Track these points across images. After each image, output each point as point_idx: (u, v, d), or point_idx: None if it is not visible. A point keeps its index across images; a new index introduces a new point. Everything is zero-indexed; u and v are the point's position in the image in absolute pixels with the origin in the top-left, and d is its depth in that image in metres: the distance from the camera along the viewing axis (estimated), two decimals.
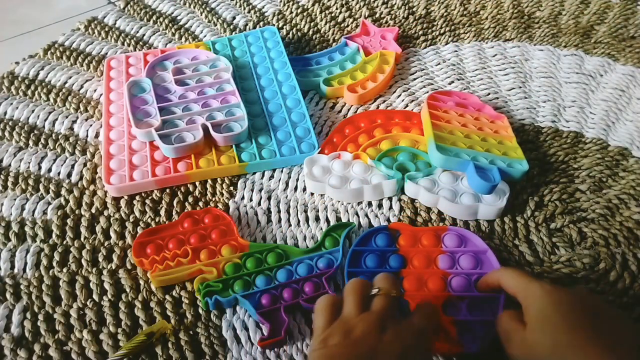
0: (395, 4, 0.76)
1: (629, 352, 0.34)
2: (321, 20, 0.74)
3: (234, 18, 0.75)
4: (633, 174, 0.55)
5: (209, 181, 0.54)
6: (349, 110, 0.62)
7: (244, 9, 0.76)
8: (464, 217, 0.51)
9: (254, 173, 0.55)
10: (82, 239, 0.50)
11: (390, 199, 0.53)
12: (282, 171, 0.55)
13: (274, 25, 0.73)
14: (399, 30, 0.71)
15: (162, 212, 0.52)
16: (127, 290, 0.46)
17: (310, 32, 0.72)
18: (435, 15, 0.74)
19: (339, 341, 0.34)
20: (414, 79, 0.65)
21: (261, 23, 0.74)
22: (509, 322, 0.38)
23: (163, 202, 0.52)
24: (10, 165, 0.56)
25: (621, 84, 0.63)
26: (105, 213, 0.51)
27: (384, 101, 0.63)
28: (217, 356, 0.42)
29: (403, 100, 0.63)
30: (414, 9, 0.75)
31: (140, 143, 0.56)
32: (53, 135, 0.58)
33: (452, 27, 0.72)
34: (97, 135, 0.58)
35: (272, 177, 0.55)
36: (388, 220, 0.51)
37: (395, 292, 0.37)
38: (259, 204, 0.53)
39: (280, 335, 0.42)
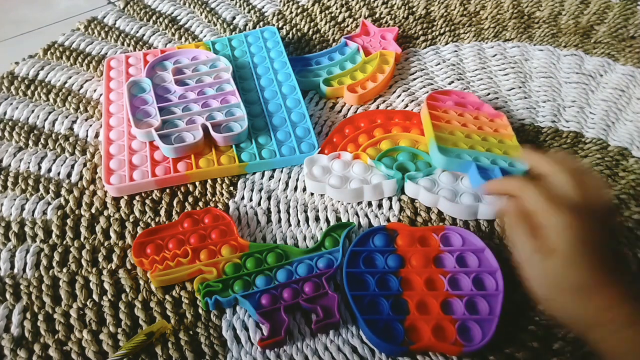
0: (395, 4, 0.76)
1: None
2: (321, 20, 0.74)
3: (233, 18, 0.75)
4: (633, 174, 0.55)
5: (209, 181, 0.54)
6: (349, 110, 0.62)
7: (244, 9, 0.76)
8: (463, 217, 0.51)
9: (254, 173, 0.55)
10: (82, 239, 0.50)
11: (390, 199, 0.53)
12: (282, 171, 0.55)
13: (273, 25, 0.73)
14: (399, 30, 0.71)
15: (162, 212, 0.52)
16: (127, 290, 0.46)
17: (310, 32, 0.72)
18: (435, 15, 0.74)
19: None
20: (414, 79, 0.66)
21: (261, 23, 0.74)
22: (525, 247, 0.36)
23: (163, 202, 0.52)
24: (10, 165, 0.56)
25: (621, 84, 0.63)
26: (105, 213, 0.51)
27: (384, 101, 0.63)
28: (217, 356, 0.42)
29: (403, 100, 0.63)
30: (414, 9, 0.75)
31: (140, 143, 0.56)
32: (53, 135, 0.58)
33: (452, 27, 0.72)
34: (97, 135, 0.58)
35: (272, 177, 0.55)
36: (388, 220, 0.51)
37: None
38: (259, 204, 0.53)
39: (280, 335, 0.42)
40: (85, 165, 0.56)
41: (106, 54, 0.68)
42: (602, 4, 0.75)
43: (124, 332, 0.43)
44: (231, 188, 0.54)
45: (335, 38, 0.71)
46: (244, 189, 0.54)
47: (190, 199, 0.53)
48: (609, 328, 0.33)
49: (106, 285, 0.46)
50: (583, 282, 0.34)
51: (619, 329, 0.32)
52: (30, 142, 0.58)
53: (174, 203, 0.52)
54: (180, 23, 0.74)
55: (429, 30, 0.72)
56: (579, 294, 0.34)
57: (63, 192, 0.53)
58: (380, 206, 0.52)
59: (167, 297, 0.45)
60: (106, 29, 0.72)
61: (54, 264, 0.48)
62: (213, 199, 0.53)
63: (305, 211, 0.52)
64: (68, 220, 0.51)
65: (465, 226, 0.50)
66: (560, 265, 0.34)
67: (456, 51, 0.69)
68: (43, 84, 0.64)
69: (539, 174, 0.40)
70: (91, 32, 0.71)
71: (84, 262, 0.48)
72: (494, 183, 0.44)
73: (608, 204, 0.39)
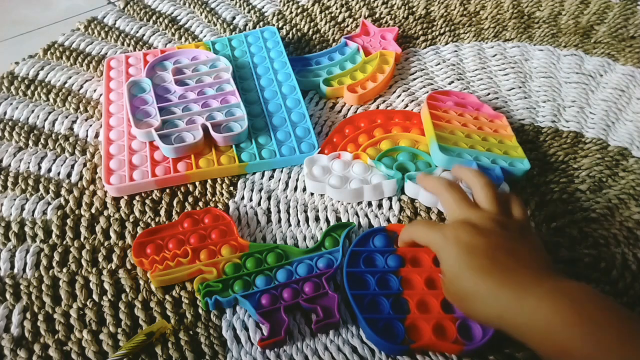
0: (395, 4, 0.76)
1: (536, 273, 0.37)
2: (321, 20, 0.74)
3: (233, 18, 0.75)
4: (633, 174, 0.55)
5: (209, 181, 0.54)
6: (349, 110, 0.62)
7: (244, 9, 0.76)
8: None
9: (254, 173, 0.55)
10: (82, 239, 0.50)
11: (390, 199, 0.53)
12: (282, 171, 0.55)
13: (273, 25, 0.73)
14: (399, 30, 0.71)
15: (162, 212, 0.52)
16: (127, 290, 0.46)
17: (310, 32, 0.72)
18: (435, 15, 0.74)
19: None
20: (414, 79, 0.66)
21: (261, 23, 0.74)
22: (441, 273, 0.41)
23: (163, 202, 0.52)
24: (10, 165, 0.56)
25: (621, 84, 0.64)
26: (105, 213, 0.51)
27: (384, 101, 0.63)
28: (217, 356, 0.42)
29: (403, 100, 0.63)
30: (414, 9, 0.75)
31: (140, 143, 0.56)
32: (53, 135, 0.58)
33: (452, 27, 0.72)
34: (97, 135, 0.58)
35: (272, 177, 0.55)
36: (388, 220, 0.51)
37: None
38: (259, 204, 0.52)
39: (280, 335, 0.42)
40: (85, 165, 0.56)
41: (106, 54, 0.68)
42: (602, 4, 0.75)
43: (124, 332, 0.43)
44: (231, 188, 0.54)
45: (335, 38, 0.71)
46: (244, 189, 0.54)
47: (190, 199, 0.53)
48: (516, 316, 0.34)
49: (106, 285, 0.46)
50: (468, 288, 0.37)
51: (527, 312, 0.34)
52: (30, 142, 0.58)
53: (174, 203, 0.52)
54: (180, 23, 0.74)
55: (429, 30, 0.72)
56: (471, 300, 0.37)
57: (63, 192, 0.53)
58: (380, 206, 0.52)
59: (167, 297, 0.45)
60: (106, 29, 0.72)
61: (54, 264, 0.48)
62: (213, 199, 0.53)
63: (305, 211, 0.52)
64: (68, 220, 0.51)
65: None
66: (449, 282, 0.39)
67: (456, 51, 0.69)
68: (43, 84, 0.64)
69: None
70: (91, 32, 0.71)
71: (84, 262, 0.48)
72: (399, 240, 0.47)
73: (506, 204, 0.42)
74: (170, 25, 0.73)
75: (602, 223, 0.51)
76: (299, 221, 0.51)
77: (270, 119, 0.58)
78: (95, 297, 0.46)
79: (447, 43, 0.70)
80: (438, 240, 0.40)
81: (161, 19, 0.73)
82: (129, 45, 0.70)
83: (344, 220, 0.51)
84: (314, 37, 0.71)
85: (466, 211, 0.41)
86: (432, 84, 0.65)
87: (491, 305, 0.36)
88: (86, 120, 0.60)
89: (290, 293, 0.44)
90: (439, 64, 0.67)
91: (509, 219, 0.41)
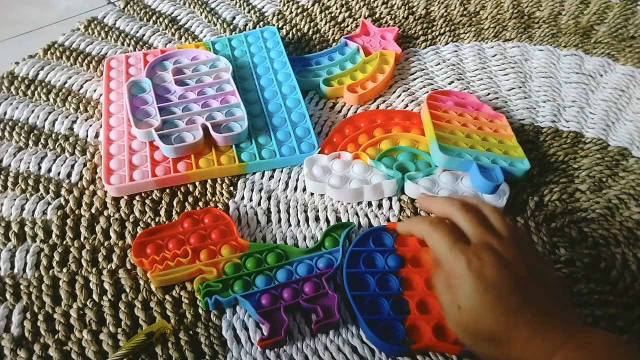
0: (395, 4, 0.76)
1: (558, 318, 0.34)
2: (321, 20, 0.74)
3: (233, 18, 0.75)
4: (633, 174, 0.55)
5: (209, 181, 0.54)
6: (349, 110, 0.62)
7: (244, 9, 0.76)
8: None
9: (254, 173, 0.55)
10: (82, 239, 0.50)
11: (390, 199, 0.53)
12: (282, 171, 0.55)
13: (273, 25, 0.73)
14: (399, 30, 0.71)
15: (162, 212, 0.52)
16: (127, 290, 0.46)
17: (310, 32, 0.72)
18: (435, 15, 0.74)
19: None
20: (414, 79, 0.66)
21: (261, 23, 0.74)
22: (444, 299, 0.38)
23: (163, 202, 0.52)
24: (10, 165, 0.56)
25: (621, 84, 0.64)
26: (105, 213, 0.51)
27: (384, 101, 0.63)
28: (217, 356, 0.42)
29: (403, 100, 0.63)
30: (414, 9, 0.75)
31: (140, 143, 0.56)
32: (53, 135, 0.58)
33: (452, 27, 0.72)
34: (97, 135, 0.58)
35: (272, 177, 0.55)
36: (388, 220, 0.51)
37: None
38: (259, 204, 0.52)
39: (280, 335, 0.42)
40: (85, 165, 0.56)
41: (106, 54, 0.68)
42: (602, 4, 0.75)
43: (124, 332, 0.43)
44: (231, 188, 0.54)
45: (335, 38, 0.71)
46: (244, 189, 0.54)
47: (190, 199, 0.53)
48: None
49: (106, 285, 0.46)
50: (495, 330, 0.34)
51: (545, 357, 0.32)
52: (30, 142, 0.58)
53: (174, 203, 0.52)
54: (180, 23, 0.74)
55: (429, 30, 0.72)
56: (494, 342, 0.35)
57: (63, 192, 0.53)
58: (380, 206, 0.52)
59: (167, 297, 0.45)
60: (106, 29, 0.72)
61: (54, 264, 0.48)
62: (213, 199, 0.53)
63: (305, 211, 0.52)
64: (68, 220, 0.51)
65: None
66: (471, 320, 0.35)
67: (456, 51, 0.69)
68: (43, 84, 0.64)
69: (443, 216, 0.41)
70: (91, 32, 0.71)
71: (84, 262, 0.48)
72: (400, 225, 0.44)
73: (517, 231, 0.39)
74: (170, 25, 0.73)
75: (602, 223, 0.51)
76: (299, 221, 0.51)
77: (270, 119, 0.58)
78: (95, 297, 0.46)
79: (447, 43, 0.70)
80: (460, 266, 0.36)
81: (161, 19, 0.73)
82: (129, 45, 0.70)
83: (344, 220, 0.51)
84: (314, 37, 0.71)
85: (487, 235, 0.37)
86: (432, 84, 0.65)
87: (517, 352, 0.33)
88: (86, 120, 0.60)
89: (290, 293, 0.44)
90: (439, 64, 0.67)
91: (528, 246, 0.39)
